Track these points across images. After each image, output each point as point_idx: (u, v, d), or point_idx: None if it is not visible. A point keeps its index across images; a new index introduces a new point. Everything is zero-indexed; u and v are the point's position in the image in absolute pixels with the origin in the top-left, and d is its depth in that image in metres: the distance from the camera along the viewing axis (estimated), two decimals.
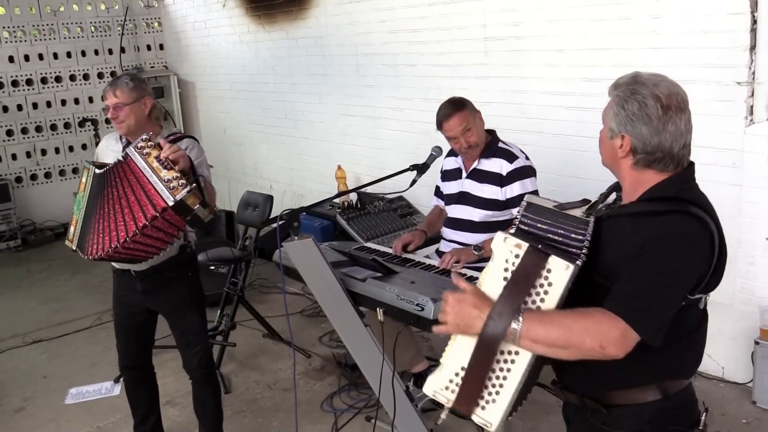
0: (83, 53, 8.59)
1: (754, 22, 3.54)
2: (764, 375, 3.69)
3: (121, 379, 3.76)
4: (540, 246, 1.70)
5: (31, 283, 6.66)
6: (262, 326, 4.92)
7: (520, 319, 1.65)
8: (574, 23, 4.33)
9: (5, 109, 8.12)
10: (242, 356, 4.79)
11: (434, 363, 4.00)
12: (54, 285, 6.42)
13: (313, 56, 6.70)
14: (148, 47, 9.15)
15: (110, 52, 8.76)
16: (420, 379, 3.74)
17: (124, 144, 3.14)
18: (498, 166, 3.51)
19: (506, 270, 1.70)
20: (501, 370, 1.70)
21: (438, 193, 3.85)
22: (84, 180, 2.99)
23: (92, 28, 8.65)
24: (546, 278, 1.68)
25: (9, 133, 8.19)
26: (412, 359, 3.72)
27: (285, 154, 7.52)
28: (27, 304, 6.11)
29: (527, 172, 3.52)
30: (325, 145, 6.82)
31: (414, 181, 3.39)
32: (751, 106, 3.64)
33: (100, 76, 8.74)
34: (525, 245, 1.69)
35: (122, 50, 8.78)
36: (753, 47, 3.56)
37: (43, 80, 8.30)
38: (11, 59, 8.11)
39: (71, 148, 8.56)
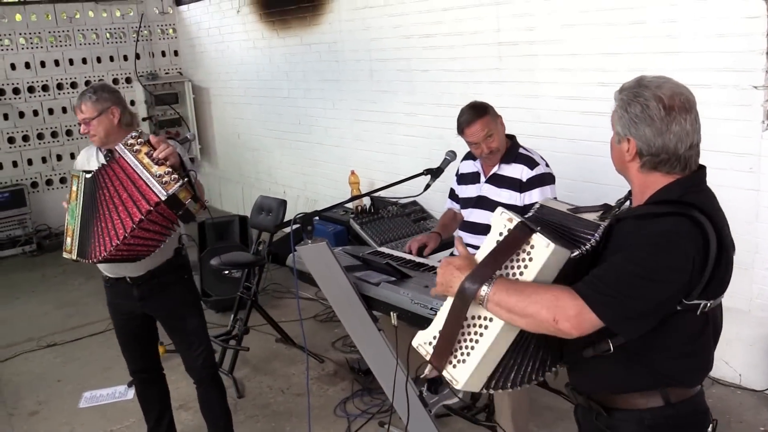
0: (98, 59, 8.67)
1: None
2: None
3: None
4: (530, 225, 1.74)
5: (46, 287, 6.70)
6: (276, 331, 4.91)
7: (491, 283, 1.73)
8: (587, 28, 4.32)
9: (21, 114, 8.20)
10: (255, 361, 4.79)
11: None
12: (68, 289, 6.46)
13: (326, 62, 6.71)
14: (163, 53, 9.21)
15: (125, 58, 8.83)
16: (434, 384, 3.72)
17: (104, 153, 3.14)
18: (518, 171, 3.48)
19: (498, 242, 1.78)
20: (474, 333, 1.80)
21: (453, 196, 3.83)
22: (75, 188, 3.00)
23: (107, 34, 8.72)
24: (528, 253, 1.74)
25: (25, 138, 8.27)
26: (426, 364, 3.70)
27: (299, 160, 7.54)
28: (42, 309, 6.15)
29: (547, 179, 3.48)
30: (338, 150, 6.83)
31: (428, 186, 3.37)
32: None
33: (116, 82, 8.81)
34: (516, 220, 1.76)
35: (137, 56, 8.84)
36: None
37: (59, 86, 8.37)
38: (27, 65, 8.20)
39: None
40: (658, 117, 1.73)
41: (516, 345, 1.81)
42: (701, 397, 1.91)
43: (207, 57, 8.79)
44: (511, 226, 1.75)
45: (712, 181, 1.85)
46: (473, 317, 1.80)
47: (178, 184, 2.71)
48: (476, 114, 3.44)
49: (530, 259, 1.73)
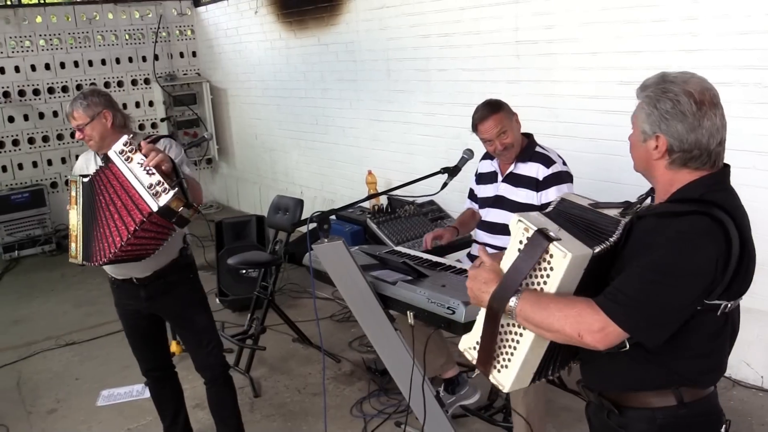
0: (117, 61, 8.73)
1: None
2: None
3: None
4: (547, 233, 1.71)
5: (66, 286, 6.75)
6: (292, 330, 4.91)
7: (518, 297, 1.73)
8: (607, 26, 4.28)
9: (41, 115, 8.27)
10: (272, 360, 4.78)
11: (465, 369, 3.98)
12: (88, 289, 6.49)
13: (344, 62, 6.71)
14: (181, 54, 9.26)
15: (144, 59, 8.88)
16: (451, 385, 3.70)
17: (101, 157, 3.13)
18: (534, 170, 3.46)
19: (519, 250, 1.78)
20: (511, 341, 1.82)
21: (472, 195, 3.81)
22: (74, 193, 3.01)
23: (126, 35, 8.77)
24: (548, 262, 1.73)
25: (45, 139, 8.34)
26: (443, 365, 3.68)
27: (316, 160, 7.54)
28: (61, 308, 6.19)
29: (564, 177, 3.45)
30: (356, 150, 6.83)
31: (445, 184, 3.35)
32: None
33: (134, 83, 8.87)
34: (532, 229, 1.74)
35: (156, 57, 8.89)
36: None
37: (78, 87, 8.43)
38: (47, 66, 8.27)
39: None
40: (690, 112, 1.71)
41: (540, 343, 1.82)
42: (714, 398, 1.89)
43: (225, 58, 8.82)
44: (529, 235, 1.74)
45: (734, 181, 1.82)
46: (508, 325, 1.82)
47: (169, 195, 2.69)
48: (490, 110, 3.42)
49: (551, 269, 1.72)
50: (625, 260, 1.74)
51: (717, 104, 1.73)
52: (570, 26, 4.50)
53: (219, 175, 9.69)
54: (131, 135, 3.21)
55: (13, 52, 8.08)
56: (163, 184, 2.71)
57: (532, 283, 1.76)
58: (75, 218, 3.02)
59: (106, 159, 2.87)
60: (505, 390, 1.84)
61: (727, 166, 1.80)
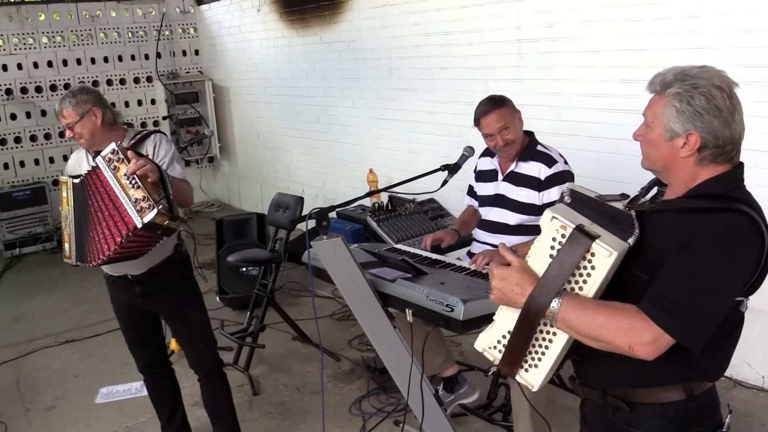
0: (120, 58, 8.72)
1: None
2: None
3: None
4: (588, 231, 1.66)
5: (66, 284, 6.74)
6: (292, 329, 4.90)
7: (560, 301, 1.67)
8: (609, 24, 4.25)
9: (44, 113, 8.26)
10: (271, 358, 4.77)
11: (465, 368, 3.96)
12: (88, 286, 6.48)
13: (346, 60, 6.69)
14: (184, 53, 9.25)
15: (146, 57, 8.88)
16: (450, 383, 3.68)
17: (93, 155, 3.13)
18: (536, 169, 3.43)
19: (552, 248, 1.72)
20: (544, 339, 1.76)
21: (471, 192, 3.79)
22: (65, 194, 3.02)
23: (129, 33, 8.77)
24: (589, 261, 1.67)
25: (47, 136, 8.34)
26: (442, 363, 3.66)
27: (318, 159, 7.53)
28: (61, 305, 6.19)
29: (566, 177, 3.42)
30: (357, 149, 6.81)
31: (445, 182, 3.33)
32: None
33: (137, 81, 8.86)
34: (570, 227, 1.67)
35: (158, 55, 8.89)
36: None
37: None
38: (50, 64, 8.26)
39: None
40: (724, 107, 1.68)
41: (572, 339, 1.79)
42: (715, 388, 1.88)
43: (227, 56, 8.81)
44: (566, 233, 1.68)
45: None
46: (543, 323, 1.76)
47: (153, 212, 2.74)
48: (493, 105, 3.40)
49: (592, 268, 1.67)
50: (652, 256, 1.70)
51: (737, 95, 1.72)
52: (572, 24, 4.48)
53: (221, 174, 9.67)
54: (123, 128, 3.21)
55: (15, 49, 8.07)
56: (148, 199, 2.75)
57: (570, 284, 1.71)
58: (67, 219, 3.03)
59: (95, 163, 2.88)
60: (534, 389, 1.79)
61: (741, 163, 1.78)
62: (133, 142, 3.11)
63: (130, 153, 2.79)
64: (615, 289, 1.71)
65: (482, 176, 3.69)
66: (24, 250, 7.84)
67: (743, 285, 1.68)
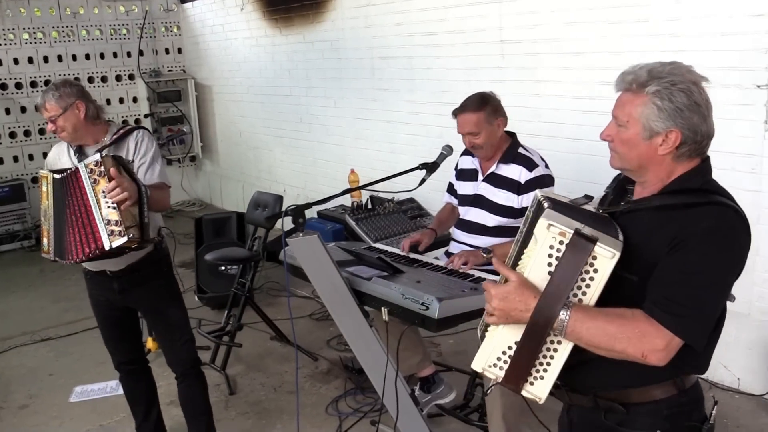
0: (102, 56, 8.66)
1: None
2: None
3: None
4: (587, 235, 1.63)
5: (43, 282, 6.67)
6: (270, 328, 4.87)
7: (568, 313, 1.64)
8: (591, 26, 4.26)
9: (23, 109, 8.18)
10: (249, 358, 4.74)
11: (442, 368, 3.94)
12: (66, 285, 6.42)
13: (328, 59, 6.67)
14: (167, 51, 9.20)
15: (129, 55, 8.82)
16: (427, 383, 3.66)
17: (75, 149, 3.13)
18: (516, 173, 3.40)
19: (551, 256, 1.67)
20: (548, 350, 1.72)
21: (451, 190, 3.76)
22: (45, 189, 2.99)
23: (111, 30, 8.71)
24: (591, 265, 1.64)
25: (26, 133, 8.26)
26: (419, 363, 3.64)
27: (299, 158, 7.50)
28: (38, 303, 6.12)
29: (546, 181, 3.40)
30: (339, 149, 6.79)
31: (423, 180, 3.31)
32: None
33: (118, 78, 8.80)
34: (570, 233, 1.63)
35: (140, 53, 8.83)
36: None
37: None
38: (30, 60, 8.19)
39: None
40: (702, 102, 1.69)
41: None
42: (699, 381, 1.89)
43: (210, 54, 8.76)
44: (566, 240, 1.63)
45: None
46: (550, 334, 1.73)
47: (122, 240, 2.77)
48: (471, 107, 3.37)
49: (595, 271, 1.64)
50: (642, 257, 1.68)
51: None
52: (554, 26, 4.49)
53: (202, 173, 9.62)
54: (106, 123, 3.18)
55: None
56: (121, 224, 2.77)
57: (573, 290, 1.67)
58: (46, 214, 3.00)
59: (77, 169, 2.86)
60: (541, 402, 1.75)
61: (708, 156, 1.79)
62: (115, 137, 3.08)
63: (112, 171, 2.76)
64: (602, 293, 1.69)
65: (462, 175, 3.66)
66: (2, 248, 7.76)
67: (738, 276, 1.69)
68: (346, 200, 5.32)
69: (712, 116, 1.73)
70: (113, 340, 3.41)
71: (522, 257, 1.75)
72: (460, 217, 3.62)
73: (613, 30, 4.14)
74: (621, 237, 1.70)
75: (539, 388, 1.74)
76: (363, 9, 6.07)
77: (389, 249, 3.57)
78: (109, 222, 2.77)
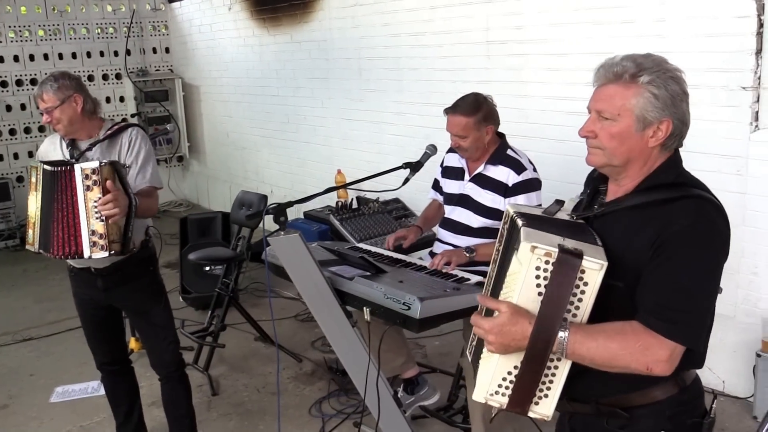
0: (88, 54, 8.60)
1: (761, 25, 3.45)
2: (766, 389, 3.58)
3: None
4: (572, 250, 1.58)
5: (27, 281, 6.62)
6: (254, 329, 4.83)
7: (566, 334, 1.60)
8: (577, 27, 4.25)
9: (8, 108, 8.11)
10: (233, 359, 4.70)
11: (426, 370, 3.92)
12: (49, 284, 6.36)
13: (316, 60, 6.65)
14: (154, 50, 9.15)
15: (116, 54, 8.76)
16: (410, 385, 3.63)
17: (67, 142, 3.09)
18: (504, 175, 3.36)
19: (538, 278, 1.61)
20: (549, 368, 1.68)
21: (437, 187, 3.73)
22: (34, 180, 2.95)
23: (98, 29, 8.65)
24: (581, 279, 1.59)
25: (12, 132, 8.18)
26: (402, 365, 3.61)
27: (286, 159, 7.47)
28: (20, 303, 6.06)
29: (534, 185, 3.36)
30: (326, 149, 6.76)
31: (407, 180, 3.29)
32: (757, 112, 3.54)
33: (105, 77, 8.74)
34: (555, 252, 1.58)
35: (128, 52, 8.78)
36: (759, 51, 3.47)
37: None
38: (16, 58, 8.12)
39: None
40: (686, 91, 1.69)
41: None
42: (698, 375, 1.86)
43: (198, 54, 8.72)
44: (552, 259, 1.58)
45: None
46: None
47: (104, 254, 2.80)
48: (462, 110, 3.34)
49: (585, 285, 1.60)
50: (625, 261, 1.65)
51: None
52: (540, 27, 4.48)
53: (190, 173, 9.56)
54: (101, 119, 3.15)
55: None
56: (105, 237, 2.78)
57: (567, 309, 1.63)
58: (34, 205, 2.96)
59: (72, 169, 2.82)
60: (548, 419, 1.72)
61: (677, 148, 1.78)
62: (109, 133, 3.06)
63: (109, 184, 2.76)
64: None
65: (448, 172, 3.63)
66: None
67: (724, 263, 1.67)
68: (333, 201, 5.30)
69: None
70: (95, 339, 3.37)
71: (506, 281, 1.68)
72: (445, 215, 3.60)
73: (599, 31, 4.13)
74: (599, 242, 1.67)
75: (544, 407, 1.71)
76: (350, 9, 6.05)
77: (372, 249, 3.54)
78: (93, 233, 2.77)
